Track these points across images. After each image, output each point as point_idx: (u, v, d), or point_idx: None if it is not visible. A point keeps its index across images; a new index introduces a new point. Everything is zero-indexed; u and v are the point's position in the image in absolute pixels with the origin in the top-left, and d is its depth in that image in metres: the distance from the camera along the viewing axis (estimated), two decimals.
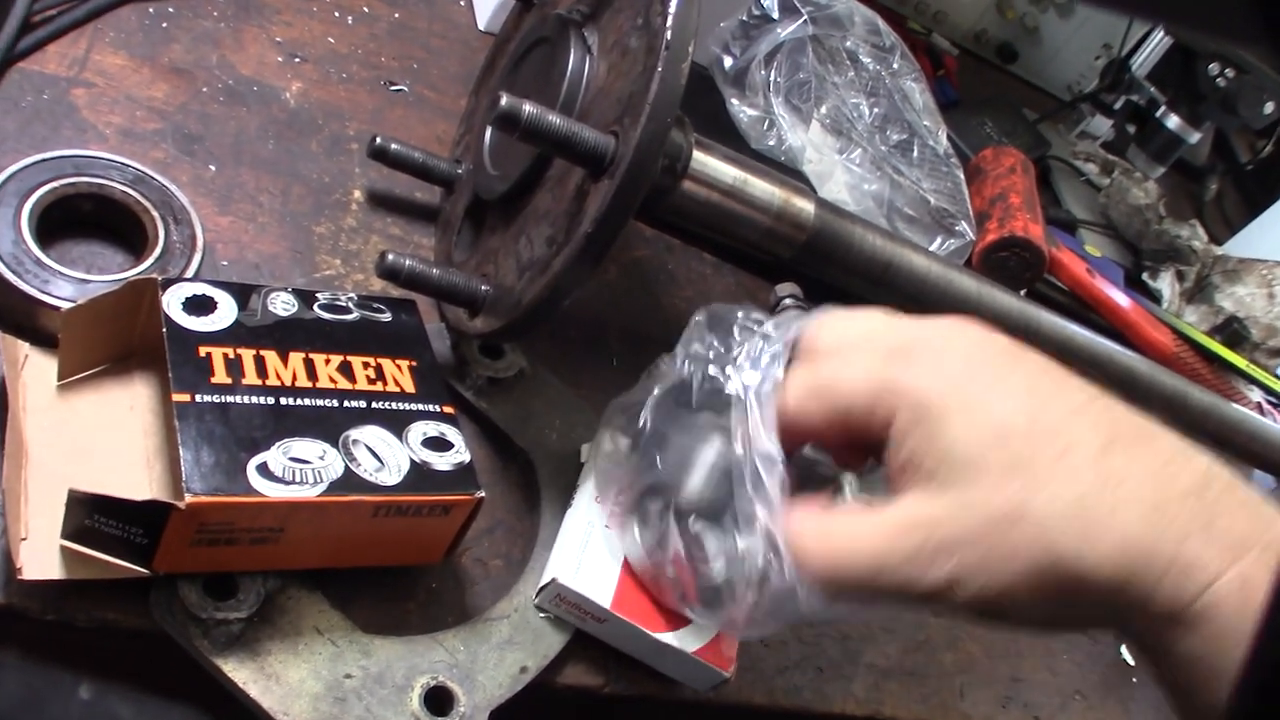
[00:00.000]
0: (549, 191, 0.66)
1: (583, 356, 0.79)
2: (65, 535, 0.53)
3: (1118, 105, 1.29)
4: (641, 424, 0.73)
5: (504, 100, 0.57)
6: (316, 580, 0.60)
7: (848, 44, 0.90)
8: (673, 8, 0.60)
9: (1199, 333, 1.13)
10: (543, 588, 0.65)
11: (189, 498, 0.51)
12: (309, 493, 0.55)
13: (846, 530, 0.48)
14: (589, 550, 0.66)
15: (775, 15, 0.88)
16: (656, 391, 0.73)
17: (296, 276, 0.71)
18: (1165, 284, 1.15)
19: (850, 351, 0.50)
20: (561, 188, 0.64)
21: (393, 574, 0.64)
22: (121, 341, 0.62)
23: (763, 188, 0.75)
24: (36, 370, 0.60)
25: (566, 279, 0.62)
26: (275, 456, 0.55)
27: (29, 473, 0.55)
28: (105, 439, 0.60)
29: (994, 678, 0.82)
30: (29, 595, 0.54)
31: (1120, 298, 1.10)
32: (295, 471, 0.55)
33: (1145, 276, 1.18)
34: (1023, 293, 1.06)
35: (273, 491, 0.54)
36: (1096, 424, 0.45)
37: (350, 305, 0.64)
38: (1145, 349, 1.09)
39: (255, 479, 0.54)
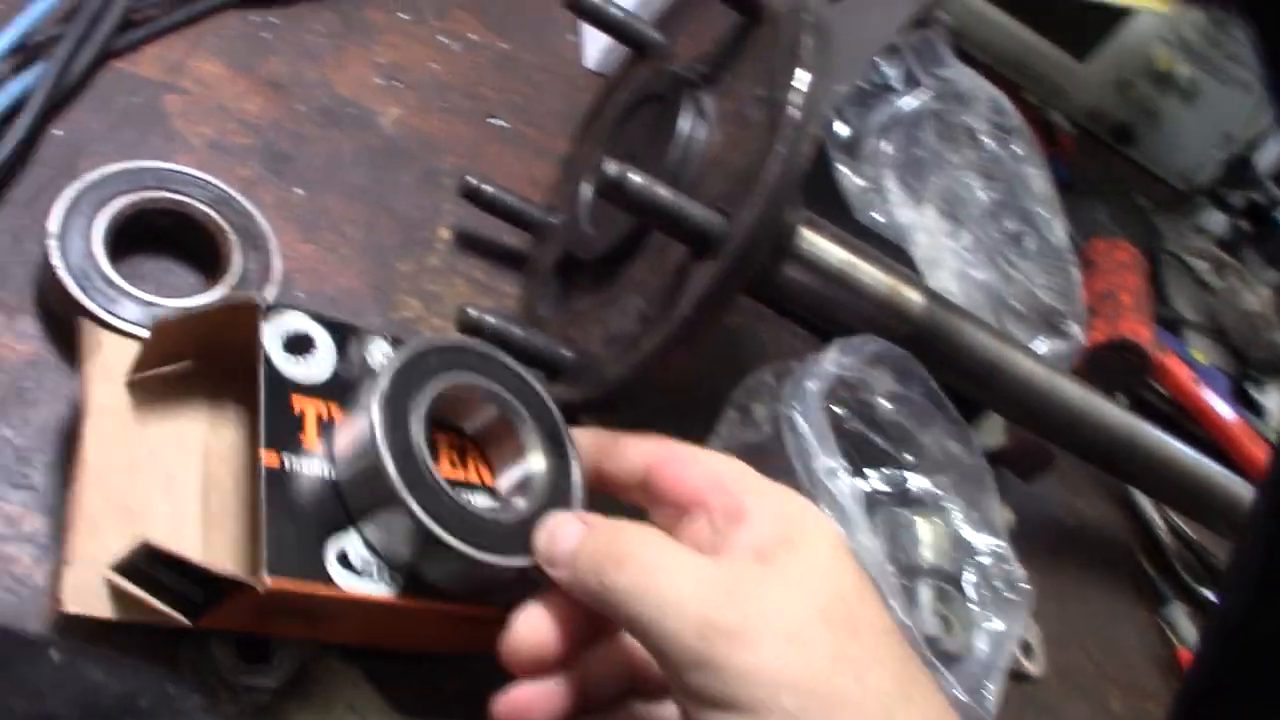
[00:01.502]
0: (647, 261, 0.62)
1: (665, 427, 0.75)
2: (116, 568, 0.50)
3: (1236, 202, 1.23)
4: None
5: (609, 167, 0.53)
6: (355, 652, 0.56)
7: (968, 120, 0.85)
8: (801, 84, 0.56)
9: None
10: None
11: (268, 580, 0.47)
12: (384, 592, 0.51)
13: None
14: None
15: (896, 86, 0.84)
16: (718, 445, 0.70)
17: (373, 314, 0.68)
18: (1273, 399, 1.09)
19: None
20: (661, 259, 0.60)
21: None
22: (199, 353, 0.58)
23: (870, 274, 0.70)
24: (108, 363, 0.56)
25: (655, 361, 0.58)
26: (355, 544, 0.51)
27: (82, 486, 0.52)
28: (165, 457, 0.56)
29: None
30: (59, 628, 0.51)
31: (1224, 410, 1.04)
32: (374, 566, 0.51)
33: (1250, 387, 1.12)
34: (1121, 398, 1.00)
35: (349, 585, 0.50)
36: None
37: None
38: (1244, 467, 1.03)
39: (334, 567, 0.50)
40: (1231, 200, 1.24)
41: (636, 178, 0.53)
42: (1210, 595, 0.96)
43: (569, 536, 0.49)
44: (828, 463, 0.61)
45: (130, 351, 0.56)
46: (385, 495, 0.50)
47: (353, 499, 0.52)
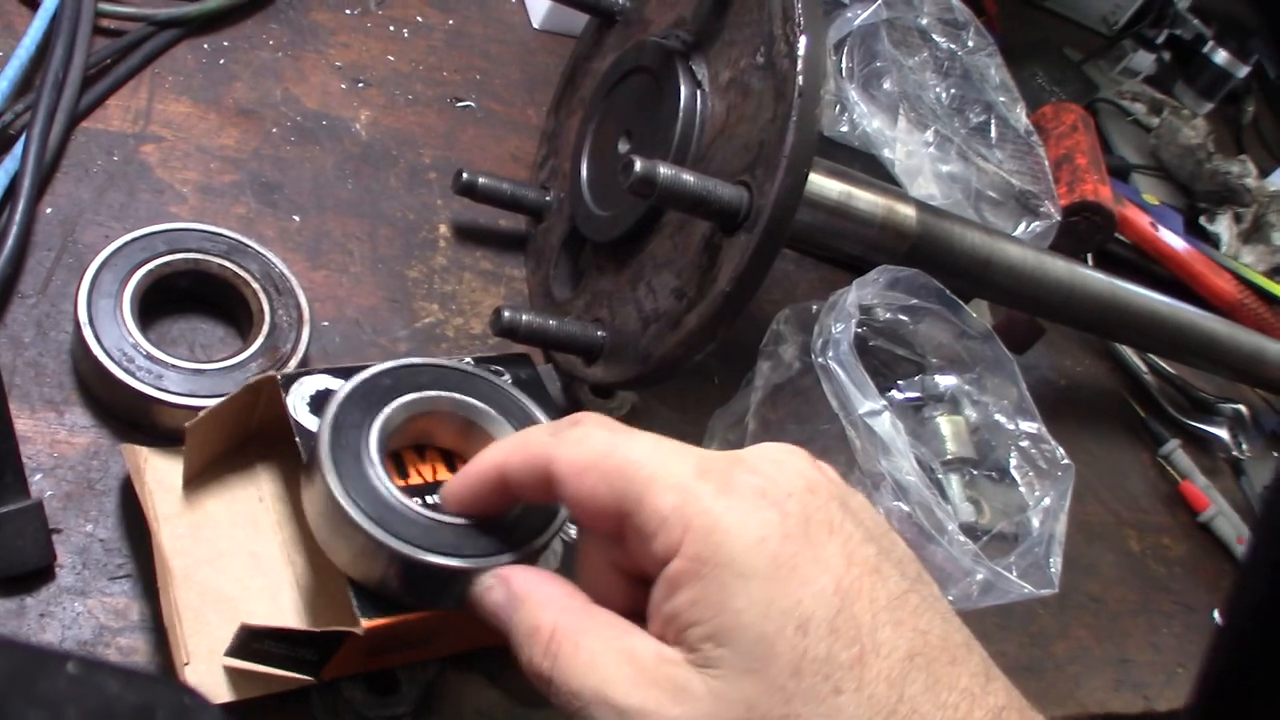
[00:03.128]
0: (669, 238, 0.63)
1: (684, 379, 0.77)
2: (230, 654, 0.52)
3: (1160, 40, 1.26)
4: (745, 428, 0.73)
5: (638, 165, 0.54)
6: (469, 659, 0.59)
7: (921, 22, 0.86)
8: (801, 49, 0.57)
9: (1259, 275, 1.12)
10: None
11: (365, 623, 0.50)
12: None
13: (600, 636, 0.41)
14: None
15: (846, 0, 0.85)
16: (757, 397, 0.73)
17: (398, 328, 0.69)
18: (1223, 227, 1.14)
19: (663, 446, 0.42)
20: (684, 235, 0.62)
21: None
22: (240, 434, 0.60)
23: (867, 200, 0.72)
24: (158, 474, 0.57)
25: (701, 337, 0.60)
26: None
27: (177, 591, 0.54)
28: (240, 538, 0.58)
29: (1104, 661, 0.83)
30: None
31: (1182, 247, 1.09)
32: None
33: (1202, 220, 1.17)
34: (1089, 256, 1.05)
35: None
36: (903, 626, 0.39)
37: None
38: (1209, 298, 1.09)
39: None
40: (1156, 39, 1.26)
41: (666, 170, 0.54)
42: (1200, 427, 1.02)
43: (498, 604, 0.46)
44: (869, 405, 0.64)
45: (172, 456, 0.57)
46: (352, 533, 0.49)
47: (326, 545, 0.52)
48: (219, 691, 0.52)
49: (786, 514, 0.39)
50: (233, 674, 0.52)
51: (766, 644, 0.37)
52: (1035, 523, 0.70)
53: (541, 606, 0.43)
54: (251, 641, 0.51)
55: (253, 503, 0.60)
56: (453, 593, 0.50)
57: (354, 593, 0.51)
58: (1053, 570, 0.67)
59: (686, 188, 0.55)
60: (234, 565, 0.57)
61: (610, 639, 0.41)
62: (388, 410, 0.53)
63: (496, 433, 0.56)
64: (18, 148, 0.63)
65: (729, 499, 0.39)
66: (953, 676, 0.39)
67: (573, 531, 0.56)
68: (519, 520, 0.51)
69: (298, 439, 0.55)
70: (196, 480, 0.58)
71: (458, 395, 0.56)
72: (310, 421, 0.56)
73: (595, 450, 0.42)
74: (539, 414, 0.57)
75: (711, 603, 0.38)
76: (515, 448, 0.45)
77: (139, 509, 0.55)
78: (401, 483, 0.52)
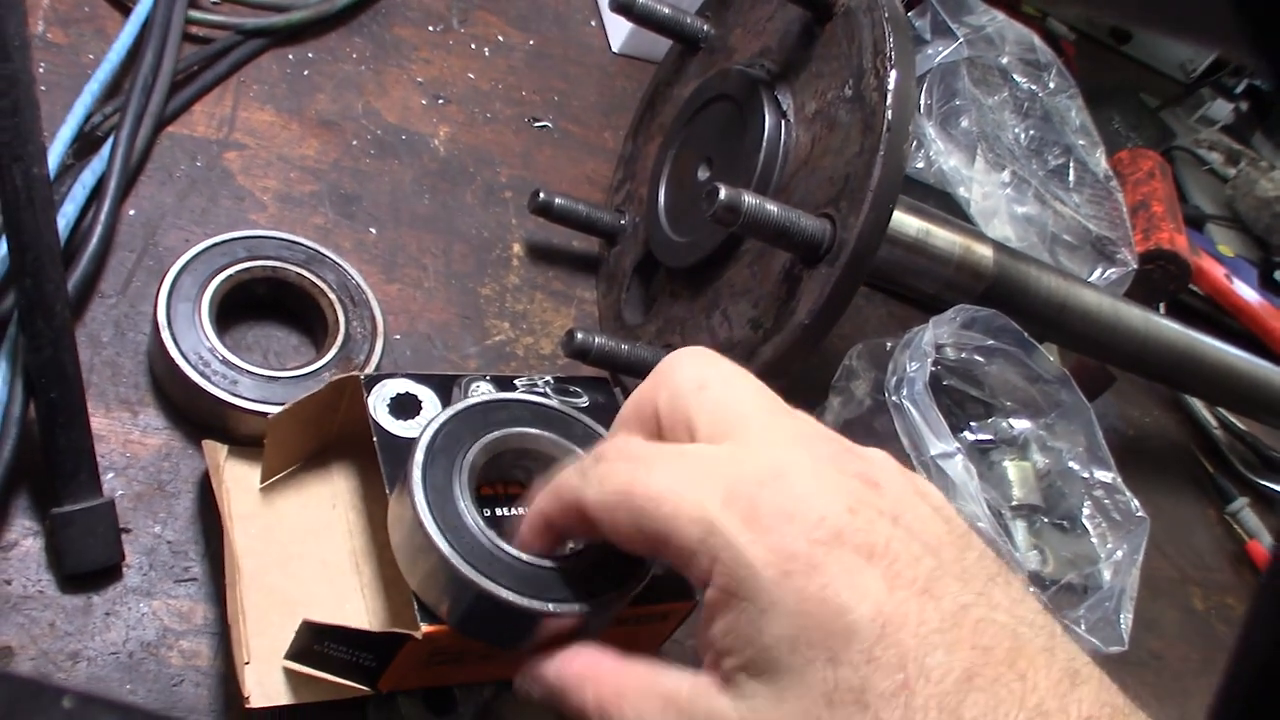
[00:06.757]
0: (747, 266, 0.63)
1: None
2: (290, 656, 0.52)
3: (1239, 89, 1.24)
4: None
5: (723, 193, 0.54)
6: None
7: (1000, 62, 0.86)
8: (892, 83, 0.56)
9: None
10: None
11: (425, 627, 0.49)
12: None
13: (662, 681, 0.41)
14: None
15: (927, 37, 0.84)
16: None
17: (468, 344, 0.69)
18: None
19: (685, 470, 0.40)
20: (763, 265, 0.61)
21: None
22: (321, 437, 0.60)
23: (945, 238, 0.72)
24: (237, 473, 0.58)
25: (776, 369, 0.59)
26: None
27: (243, 589, 0.54)
28: (312, 543, 0.58)
29: None
30: None
31: (1257, 301, 1.07)
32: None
33: (1278, 274, 1.14)
34: (1161, 305, 1.03)
35: None
36: (959, 646, 0.36)
37: (548, 391, 0.61)
38: None
39: None
40: (1235, 88, 1.25)
41: (750, 199, 0.54)
42: (1269, 485, 1.00)
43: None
44: (941, 447, 0.63)
45: (251, 456, 0.58)
46: (431, 556, 0.49)
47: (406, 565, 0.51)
48: (278, 694, 0.52)
49: (815, 542, 0.37)
50: (292, 677, 0.52)
51: (796, 676, 0.37)
52: (1106, 576, 0.69)
53: (581, 683, 0.44)
54: (312, 641, 0.51)
55: (326, 509, 0.59)
56: (520, 633, 0.50)
57: (417, 600, 0.50)
58: (1123, 626, 0.66)
59: (770, 218, 0.55)
60: (303, 570, 0.57)
61: (646, 688, 0.42)
62: (483, 441, 0.53)
63: None
64: (105, 149, 0.63)
65: (753, 531, 0.37)
66: (1021, 693, 0.36)
67: None
68: (601, 561, 0.51)
69: (375, 439, 0.55)
70: (274, 482, 0.59)
71: (551, 435, 0.56)
72: (390, 424, 0.56)
73: (618, 489, 0.41)
74: None
75: (742, 635, 0.38)
76: (551, 496, 0.46)
77: (213, 507, 0.56)
78: (485, 515, 0.52)
